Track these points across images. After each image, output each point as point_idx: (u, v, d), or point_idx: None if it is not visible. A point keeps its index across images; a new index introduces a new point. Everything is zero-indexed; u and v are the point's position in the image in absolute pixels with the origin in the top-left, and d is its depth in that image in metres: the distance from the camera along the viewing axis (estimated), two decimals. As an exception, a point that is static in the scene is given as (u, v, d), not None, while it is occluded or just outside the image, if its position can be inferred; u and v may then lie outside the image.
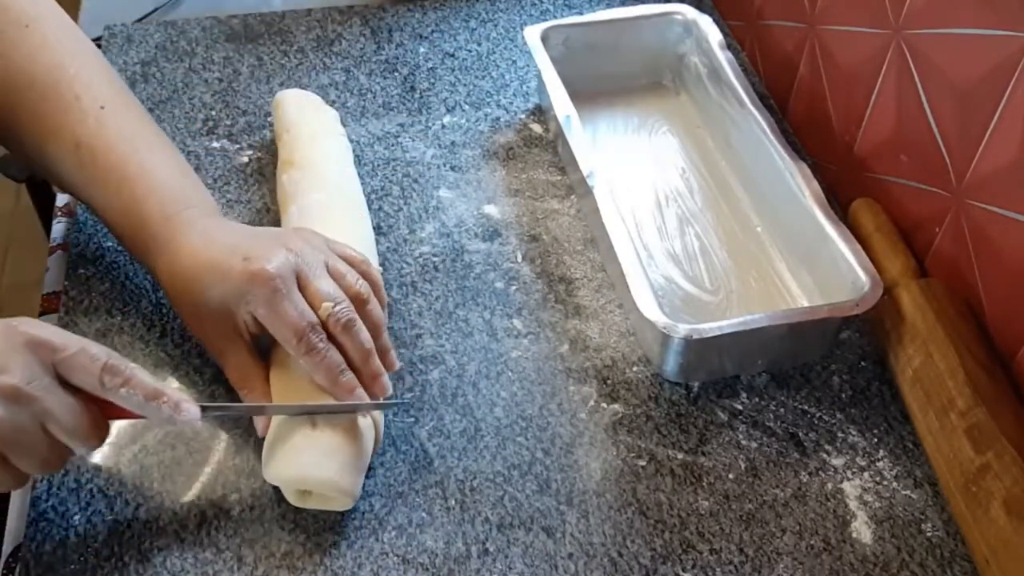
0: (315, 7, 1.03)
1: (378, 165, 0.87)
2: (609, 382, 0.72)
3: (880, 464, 0.68)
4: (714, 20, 0.90)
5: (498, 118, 0.92)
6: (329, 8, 1.03)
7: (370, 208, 0.82)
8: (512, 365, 0.73)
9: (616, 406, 0.71)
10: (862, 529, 0.65)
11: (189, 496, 0.64)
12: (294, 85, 0.94)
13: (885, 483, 0.67)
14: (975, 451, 0.62)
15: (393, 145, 0.89)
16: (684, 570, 0.62)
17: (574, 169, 0.81)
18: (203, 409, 0.59)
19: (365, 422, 0.63)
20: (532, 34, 0.88)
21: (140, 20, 1.03)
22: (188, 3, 1.06)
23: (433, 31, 1.01)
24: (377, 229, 0.81)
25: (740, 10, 1.00)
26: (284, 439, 0.61)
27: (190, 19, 1.01)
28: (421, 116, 0.92)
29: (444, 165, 0.87)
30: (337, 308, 0.62)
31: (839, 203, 0.85)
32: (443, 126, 0.91)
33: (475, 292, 0.77)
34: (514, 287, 0.78)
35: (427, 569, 0.62)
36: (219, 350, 0.66)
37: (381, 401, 0.65)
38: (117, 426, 0.68)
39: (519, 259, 0.80)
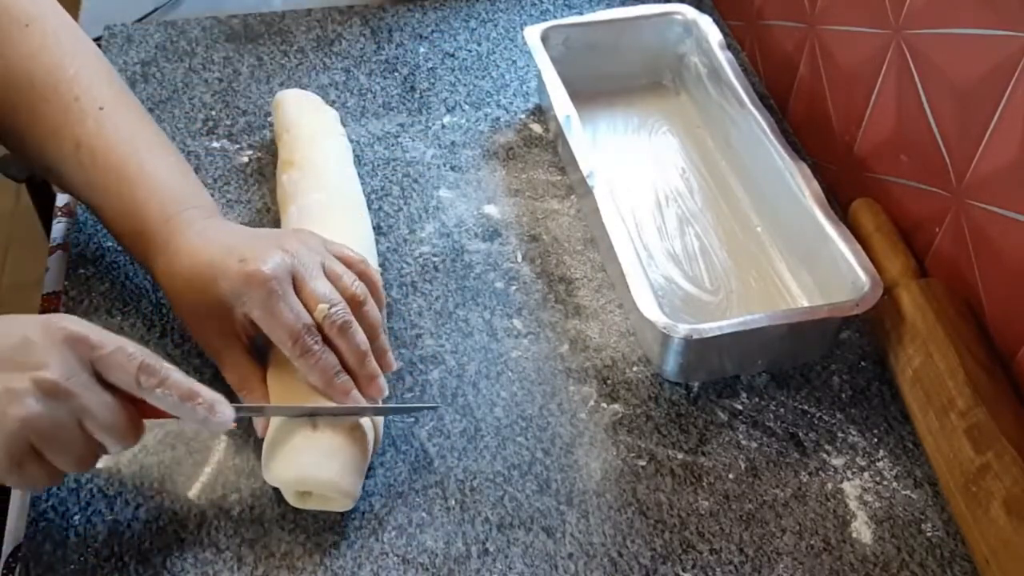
0: (315, 7, 1.03)
1: (378, 165, 0.87)
2: (609, 382, 0.72)
3: (880, 464, 0.68)
4: (714, 20, 0.90)
5: (498, 118, 0.92)
6: (329, 8, 1.03)
7: (370, 208, 0.82)
8: (512, 365, 0.73)
9: (616, 406, 0.71)
10: (862, 529, 0.65)
11: (189, 496, 0.64)
12: (294, 85, 0.94)
13: (885, 483, 0.67)
14: (975, 451, 0.62)
15: (393, 145, 0.89)
16: (684, 570, 0.62)
17: (574, 169, 0.81)
18: (236, 410, 0.59)
19: (365, 423, 0.63)
20: (532, 34, 0.88)
21: (140, 20, 1.03)
22: (188, 3, 1.06)
23: (433, 31, 1.01)
24: (377, 229, 0.81)
25: (740, 10, 1.00)
26: (284, 440, 0.61)
27: (190, 19, 1.01)
28: (421, 116, 0.92)
29: (444, 165, 0.87)
30: (332, 310, 0.62)
31: (839, 203, 0.85)
32: (443, 126, 0.91)
33: (475, 292, 0.77)
34: (514, 287, 0.78)
35: (427, 569, 0.62)
36: (216, 351, 0.66)
37: (416, 404, 0.66)
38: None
39: (519, 259, 0.80)
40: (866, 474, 0.67)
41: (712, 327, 0.67)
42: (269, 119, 0.90)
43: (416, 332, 0.75)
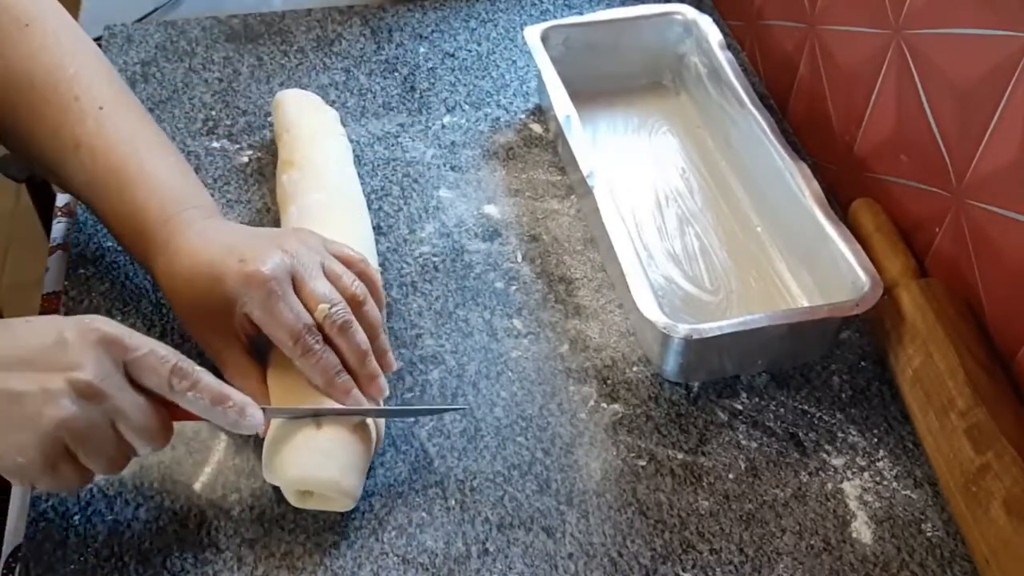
0: (315, 7, 1.03)
1: (378, 165, 0.87)
2: (609, 382, 0.72)
3: (880, 464, 0.68)
4: (714, 20, 0.90)
5: (498, 118, 0.92)
6: (329, 8, 1.03)
7: (370, 208, 0.82)
8: (512, 365, 0.73)
9: (616, 406, 0.71)
10: (862, 529, 0.65)
11: (189, 496, 0.64)
12: (294, 85, 0.94)
13: (885, 483, 0.67)
14: (975, 451, 0.62)
15: (393, 145, 0.89)
16: (684, 570, 0.62)
17: (574, 169, 0.81)
18: (264, 412, 0.60)
19: (367, 422, 0.63)
20: (532, 34, 0.88)
21: (140, 20, 1.03)
22: (188, 3, 1.06)
23: (433, 31, 1.01)
24: (377, 229, 0.81)
25: (740, 10, 1.00)
26: (285, 439, 0.61)
27: (190, 19, 1.01)
28: (421, 116, 0.92)
29: (444, 165, 0.87)
30: (333, 309, 0.62)
31: (839, 203, 0.85)
32: (443, 126, 0.91)
33: (475, 292, 0.77)
34: (514, 287, 0.78)
35: (427, 569, 0.62)
36: (216, 351, 0.66)
37: (441, 406, 0.67)
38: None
39: (519, 259, 0.80)
40: (866, 474, 0.67)
41: (712, 327, 0.67)
42: (269, 119, 0.90)
43: (416, 332, 0.75)
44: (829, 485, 0.67)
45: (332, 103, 0.91)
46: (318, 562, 0.62)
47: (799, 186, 0.76)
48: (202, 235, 0.65)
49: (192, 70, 0.95)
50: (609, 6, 1.04)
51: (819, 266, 0.75)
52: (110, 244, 0.79)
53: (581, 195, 0.84)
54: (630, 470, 0.67)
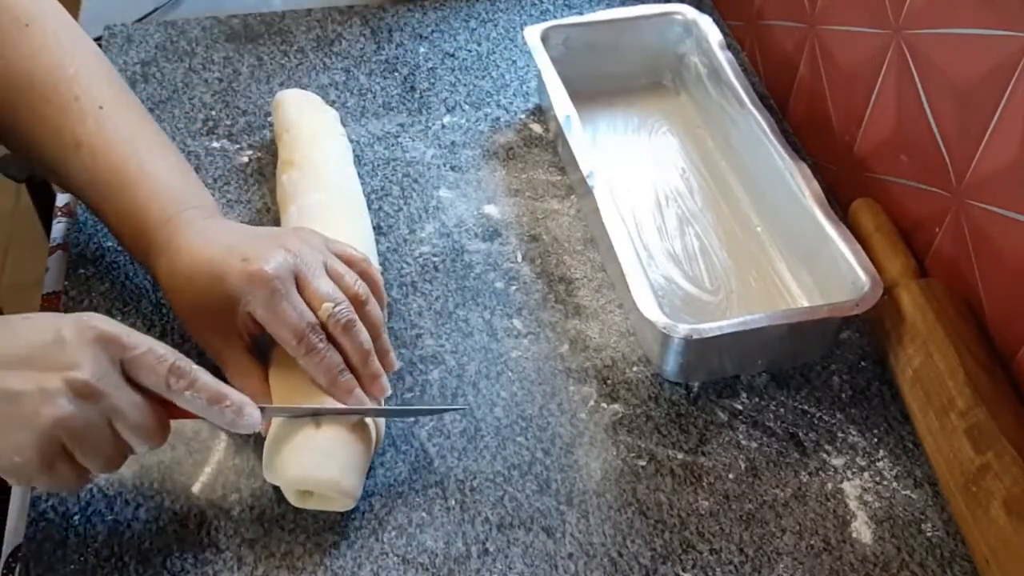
0: (315, 7, 1.03)
1: (378, 165, 0.87)
2: (609, 382, 0.72)
3: (880, 464, 0.68)
4: (714, 20, 0.90)
5: (498, 118, 0.92)
6: (329, 8, 1.03)
7: (370, 208, 0.82)
8: (512, 365, 0.73)
9: (616, 406, 0.71)
10: (862, 529, 0.65)
11: (189, 496, 0.64)
12: (294, 85, 0.94)
13: (885, 483, 0.67)
14: (975, 451, 0.62)
15: (393, 145, 0.89)
16: (684, 570, 0.62)
17: (574, 169, 0.81)
18: (262, 411, 0.59)
19: (367, 422, 0.63)
20: (532, 34, 0.88)
21: (140, 20, 1.03)
22: (188, 3, 1.06)
23: (433, 31, 1.01)
24: (377, 229, 0.81)
25: (740, 10, 1.00)
26: (285, 440, 0.61)
27: (190, 19, 1.01)
28: (421, 116, 0.92)
29: (444, 165, 0.87)
30: (337, 309, 0.62)
31: (839, 203, 0.85)
32: (443, 126, 0.91)
33: (475, 292, 0.77)
34: (514, 287, 0.78)
35: (427, 569, 0.62)
36: (217, 351, 0.66)
37: (441, 406, 0.67)
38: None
39: (519, 259, 0.80)
40: (866, 474, 0.67)
41: (712, 327, 0.67)
42: (269, 119, 0.90)
43: (416, 332, 0.75)
44: (829, 485, 0.67)
45: (332, 103, 0.91)
46: (318, 562, 0.62)
47: (799, 186, 0.76)
48: (203, 234, 0.65)
49: (192, 70, 0.95)
50: (609, 6, 1.04)
51: (819, 266, 0.75)
52: (110, 244, 0.79)
53: (581, 195, 0.84)
54: (630, 470, 0.67)
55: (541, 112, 0.93)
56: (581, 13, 1.02)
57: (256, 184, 0.85)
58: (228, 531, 0.63)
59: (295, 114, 0.84)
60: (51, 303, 0.78)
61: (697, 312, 0.76)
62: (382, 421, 0.66)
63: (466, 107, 0.93)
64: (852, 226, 0.76)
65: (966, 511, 0.62)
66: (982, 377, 0.65)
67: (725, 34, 0.95)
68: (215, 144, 0.88)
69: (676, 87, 0.95)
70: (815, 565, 0.63)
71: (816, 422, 0.70)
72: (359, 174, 0.83)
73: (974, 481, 0.62)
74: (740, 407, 0.71)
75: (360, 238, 0.74)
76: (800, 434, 0.69)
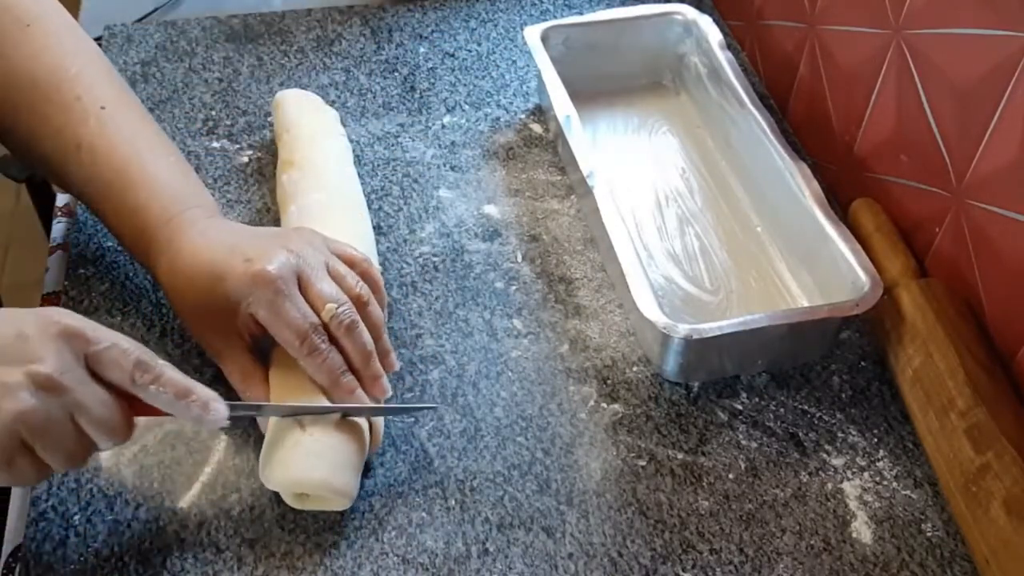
0: (315, 7, 1.03)
1: (378, 165, 0.87)
2: (609, 382, 0.72)
3: (880, 464, 0.68)
4: (714, 20, 0.90)
5: (498, 118, 0.92)
6: (329, 8, 1.03)
7: (370, 208, 0.82)
8: (512, 365, 0.73)
9: (616, 406, 0.71)
10: (862, 529, 0.65)
11: (189, 496, 0.64)
12: (294, 85, 0.94)
13: (885, 483, 0.67)
14: (975, 451, 0.62)
15: (393, 145, 0.89)
16: (684, 570, 0.62)
17: (574, 169, 0.81)
18: (231, 408, 0.59)
19: (361, 421, 0.63)
20: (532, 34, 0.88)
21: (140, 20, 1.03)
22: (188, 3, 1.06)
23: (433, 31, 1.01)
24: (377, 229, 0.81)
25: (740, 10, 1.00)
26: (276, 443, 0.61)
27: (190, 19, 1.01)
28: (421, 116, 0.92)
29: (444, 165, 0.87)
30: (340, 310, 0.62)
31: (839, 203, 0.85)
32: (443, 126, 0.91)
33: (475, 292, 0.77)
34: (514, 287, 0.78)
35: (427, 569, 0.62)
36: (218, 351, 0.66)
37: (413, 405, 0.66)
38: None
39: (519, 259, 0.80)
40: (866, 474, 0.67)
41: (712, 327, 0.67)
42: (269, 119, 0.90)
43: (416, 332, 0.75)
44: (829, 485, 0.67)
45: (332, 103, 0.91)
46: (318, 562, 0.62)
47: (799, 186, 0.76)
48: (204, 234, 0.65)
49: (192, 70, 0.95)
50: (609, 6, 1.04)
51: (819, 266, 0.75)
52: (110, 244, 0.79)
53: (581, 195, 0.84)
54: (630, 470, 0.67)
55: (541, 112, 0.93)
56: (581, 13, 1.02)
57: (256, 184, 0.85)
58: (228, 531, 0.63)
59: (295, 114, 0.84)
60: (51, 303, 0.78)
61: (697, 312, 0.76)
62: (381, 421, 0.66)
63: (466, 107, 0.93)
64: (852, 226, 0.76)
65: (966, 511, 0.62)
66: (982, 377, 0.65)
67: (725, 34, 0.95)
68: (215, 144, 0.88)
69: (676, 87, 0.95)
70: (815, 565, 0.63)
71: (816, 422, 0.70)
72: (359, 174, 0.83)
73: (974, 481, 0.62)
74: (740, 407, 0.71)
75: (360, 238, 0.74)
76: (800, 434, 0.69)
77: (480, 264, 0.79)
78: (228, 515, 0.64)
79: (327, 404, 0.62)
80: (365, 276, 0.66)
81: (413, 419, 0.69)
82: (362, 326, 0.63)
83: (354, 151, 0.86)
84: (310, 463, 0.60)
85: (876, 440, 0.69)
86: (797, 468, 0.68)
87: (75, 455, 0.55)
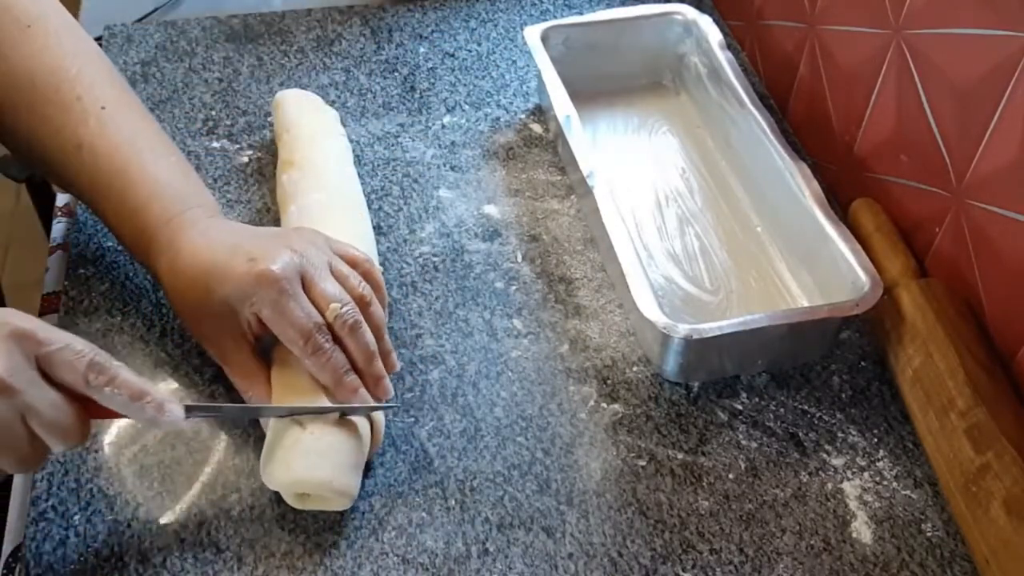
0: (315, 7, 1.03)
1: (378, 165, 0.87)
2: (609, 382, 0.72)
3: (880, 464, 0.68)
4: (714, 20, 0.90)
5: (498, 118, 0.92)
6: (329, 8, 1.03)
7: (370, 208, 0.82)
8: (512, 365, 0.73)
9: (616, 406, 0.71)
10: (862, 529, 0.65)
11: (189, 496, 0.64)
12: (294, 85, 0.94)
13: (885, 483, 0.67)
14: (975, 451, 0.62)
15: (393, 145, 0.89)
16: (684, 570, 0.62)
17: (574, 169, 0.81)
18: (188, 410, 0.58)
19: (360, 421, 0.63)
20: (532, 34, 0.88)
21: (140, 20, 1.03)
22: (188, 3, 1.06)
23: (433, 31, 1.01)
24: (377, 229, 0.81)
25: (740, 10, 1.00)
26: (276, 443, 0.61)
27: (190, 19, 1.01)
28: (421, 116, 0.92)
29: (444, 165, 0.87)
30: (343, 310, 0.62)
31: (839, 203, 0.85)
32: (443, 126, 0.91)
33: (475, 292, 0.77)
34: (514, 287, 0.78)
35: (427, 569, 0.62)
36: (220, 351, 0.66)
37: (372, 404, 0.64)
38: (117, 425, 0.68)
39: (519, 259, 0.80)
40: (866, 474, 0.67)
41: (712, 327, 0.67)
42: (269, 119, 0.90)
43: (416, 332, 0.75)
44: (829, 485, 0.67)
45: (332, 103, 0.91)
46: (318, 562, 0.62)
47: (799, 186, 0.76)
48: (205, 234, 0.65)
49: (192, 70, 0.95)
50: (609, 6, 1.04)
51: (819, 266, 0.75)
52: (110, 244, 0.79)
53: (581, 195, 0.84)
54: (630, 470, 0.67)
55: (541, 112, 0.93)
56: (581, 13, 1.02)
57: (256, 184, 0.85)
58: (228, 531, 0.63)
59: (295, 114, 0.84)
60: (51, 303, 0.78)
61: (697, 312, 0.76)
62: (382, 421, 0.66)
63: (466, 107, 0.93)
64: (852, 226, 0.76)
65: (966, 511, 0.62)
66: (982, 377, 0.65)
67: (725, 34, 0.95)
68: (215, 144, 0.88)
69: (676, 87, 0.95)
70: (815, 565, 0.63)
71: (816, 422, 0.70)
72: (359, 174, 0.83)
73: (974, 481, 0.62)
74: (740, 407, 0.71)
75: (360, 238, 0.74)
76: (800, 434, 0.69)
77: (480, 264, 0.79)
78: (228, 515, 0.64)
79: (290, 406, 0.62)
80: (367, 276, 0.66)
81: (413, 419, 0.69)
82: (365, 326, 0.63)
83: (354, 151, 0.86)
84: (312, 463, 0.60)
85: (876, 440, 0.69)
86: (797, 468, 0.68)
87: (27, 458, 0.54)
